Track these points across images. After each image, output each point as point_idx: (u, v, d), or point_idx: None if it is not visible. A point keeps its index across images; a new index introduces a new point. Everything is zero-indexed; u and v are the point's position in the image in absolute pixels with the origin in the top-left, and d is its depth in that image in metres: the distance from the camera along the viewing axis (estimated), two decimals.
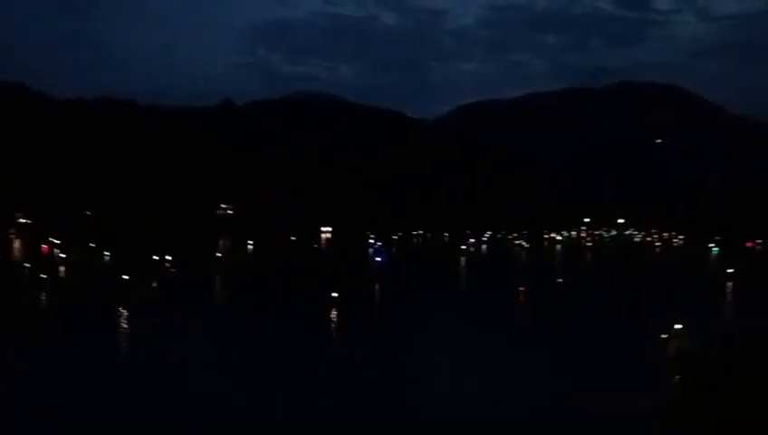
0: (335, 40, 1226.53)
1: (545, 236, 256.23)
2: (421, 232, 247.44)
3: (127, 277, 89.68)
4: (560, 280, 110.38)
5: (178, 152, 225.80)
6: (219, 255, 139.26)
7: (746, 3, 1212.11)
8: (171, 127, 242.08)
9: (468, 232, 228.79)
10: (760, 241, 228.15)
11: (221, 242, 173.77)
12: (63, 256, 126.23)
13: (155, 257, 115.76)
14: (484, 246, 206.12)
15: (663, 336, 55.08)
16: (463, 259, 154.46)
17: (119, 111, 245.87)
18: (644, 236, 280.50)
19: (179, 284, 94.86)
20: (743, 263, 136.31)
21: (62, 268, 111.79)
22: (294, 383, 43.39)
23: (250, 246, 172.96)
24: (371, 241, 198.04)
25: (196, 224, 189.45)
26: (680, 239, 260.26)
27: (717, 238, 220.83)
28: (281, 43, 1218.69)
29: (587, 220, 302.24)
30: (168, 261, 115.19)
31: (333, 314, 70.40)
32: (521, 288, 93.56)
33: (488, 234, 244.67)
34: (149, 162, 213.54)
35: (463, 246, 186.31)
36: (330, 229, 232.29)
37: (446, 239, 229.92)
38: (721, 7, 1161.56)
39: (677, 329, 55.46)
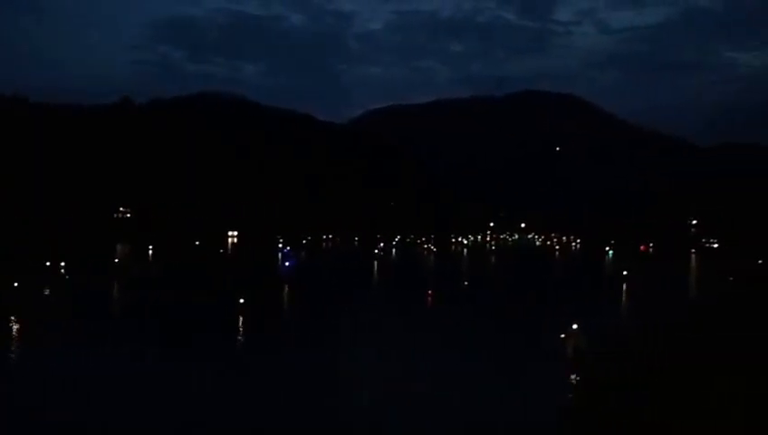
0: (239, 39, 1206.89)
1: (452, 239, 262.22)
2: (331, 236, 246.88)
3: (17, 284, 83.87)
4: (466, 283, 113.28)
5: (73, 152, 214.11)
6: (117, 260, 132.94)
7: (642, 16, 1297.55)
8: (65, 125, 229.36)
9: (379, 236, 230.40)
10: (652, 244, 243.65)
11: (119, 247, 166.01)
12: None
13: (47, 263, 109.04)
14: (394, 250, 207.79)
15: (561, 336, 57.05)
16: (375, 263, 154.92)
17: (7, 107, 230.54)
18: (544, 240, 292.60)
19: (74, 291, 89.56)
20: (636, 265, 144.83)
21: None
22: (196, 396, 41.58)
23: (150, 251, 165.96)
24: (280, 245, 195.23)
25: (93, 227, 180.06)
26: (578, 242, 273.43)
27: (612, 242, 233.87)
28: (182, 40, 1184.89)
29: (492, 225, 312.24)
30: (61, 267, 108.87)
31: (240, 320, 68.42)
32: (429, 291, 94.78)
33: (398, 238, 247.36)
34: (41, 162, 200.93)
35: (375, 250, 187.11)
36: (236, 233, 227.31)
37: (356, 243, 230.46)
38: (618, 20, 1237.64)
39: (574, 329, 57.59)
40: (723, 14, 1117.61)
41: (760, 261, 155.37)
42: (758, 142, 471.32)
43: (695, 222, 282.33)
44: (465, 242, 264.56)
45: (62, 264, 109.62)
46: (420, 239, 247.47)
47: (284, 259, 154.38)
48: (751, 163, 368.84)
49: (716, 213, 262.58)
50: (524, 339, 60.72)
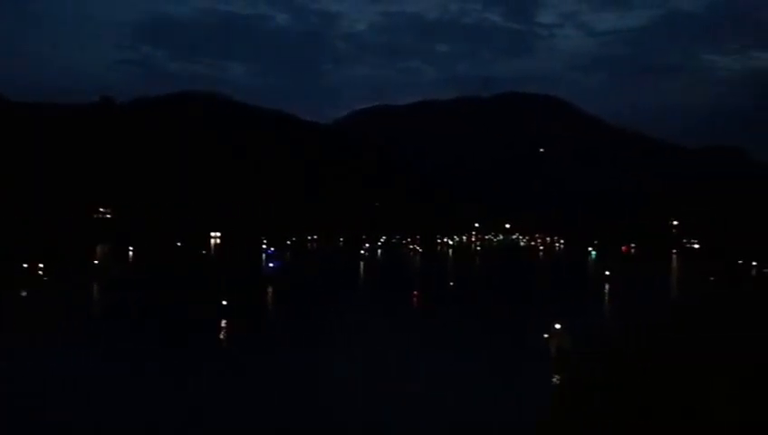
0: (225, 39, 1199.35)
1: (438, 240, 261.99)
2: (316, 236, 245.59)
3: None
4: (451, 283, 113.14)
5: (52, 151, 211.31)
6: (96, 261, 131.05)
7: (625, 19, 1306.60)
8: (45, 124, 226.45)
9: (364, 236, 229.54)
10: (633, 245, 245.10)
11: (99, 247, 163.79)
12: None
13: (25, 265, 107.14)
14: (379, 251, 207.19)
15: (545, 336, 56.92)
16: (361, 263, 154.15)
17: None
18: (528, 241, 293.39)
19: (52, 293, 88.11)
20: (618, 265, 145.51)
21: None
22: (180, 403, 40.82)
23: (131, 252, 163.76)
24: (264, 246, 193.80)
25: (72, 228, 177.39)
26: (561, 243, 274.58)
27: (595, 242, 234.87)
28: (166, 40, 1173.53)
29: (477, 225, 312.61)
30: (39, 268, 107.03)
31: (223, 323, 67.45)
32: (414, 292, 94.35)
33: (383, 238, 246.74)
34: (20, 161, 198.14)
35: (361, 251, 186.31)
36: (219, 234, 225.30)
37: (341, 244, 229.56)
38: (601, 23, 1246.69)
39: (557, 329, 57.46)
40: (704, 18, 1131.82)
41: (740, 261, 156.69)
42: (738, 145, 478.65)
43: (676, 223, 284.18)
44: (451, 243, 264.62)
45: (40, 265, 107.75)
46: (406, 240, 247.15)
47: (268, 260, 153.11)
48: (732, 166, 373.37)
49: (698, 214, 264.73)
50: (509, 339, 60.60)
